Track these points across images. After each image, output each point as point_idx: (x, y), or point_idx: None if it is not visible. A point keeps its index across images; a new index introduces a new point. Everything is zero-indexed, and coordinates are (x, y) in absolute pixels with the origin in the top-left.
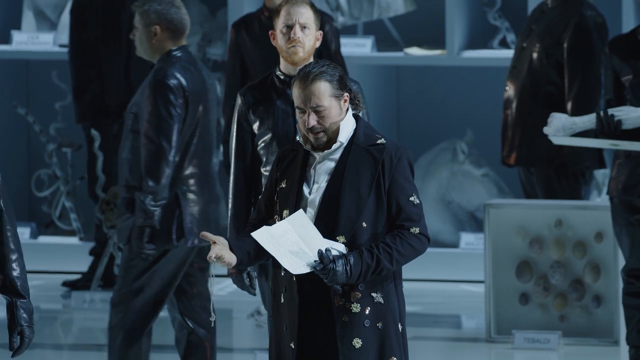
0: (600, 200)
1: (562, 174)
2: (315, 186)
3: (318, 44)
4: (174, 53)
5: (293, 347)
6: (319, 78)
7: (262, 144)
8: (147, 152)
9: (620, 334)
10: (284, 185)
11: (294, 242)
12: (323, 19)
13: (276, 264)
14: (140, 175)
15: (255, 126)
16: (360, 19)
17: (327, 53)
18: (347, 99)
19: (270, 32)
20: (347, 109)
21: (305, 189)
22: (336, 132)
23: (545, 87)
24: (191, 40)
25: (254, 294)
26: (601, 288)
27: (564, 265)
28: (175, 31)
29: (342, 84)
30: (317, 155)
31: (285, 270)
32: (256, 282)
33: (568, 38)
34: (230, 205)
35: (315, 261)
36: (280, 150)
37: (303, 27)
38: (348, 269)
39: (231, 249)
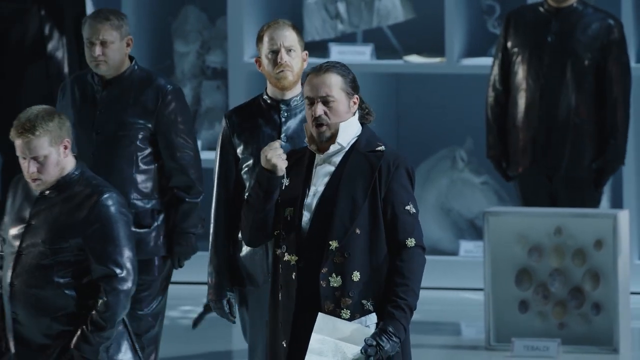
0: (600, 208)
1: (599, 182)
2: (313, 189)
3: (305, 64)
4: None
5: (285, 345)
6: (331, 70)
7: (246, 169)
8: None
9: (619, 342)
10: (287, 183)
11: (334, 348)
12: None
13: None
14: None
15: (239, 150)
16: (359, 27)
17: None
18: (357, 101)
19: (254, 59)
20: (355, 113)
21: (306, 190)
22: (338, 132)
23: (587, 97)
24: (190, 48)
25: (234, 322)
26: (600, 296)
27: (563, 273)
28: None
29: (354, 86)
30: (319, 157)
31: (285, 268)
32: (236, 309)
33: (610, 49)
34: (211, 230)
35: (362, 352)
36: (288, 151)
37: (289, 50)
38: (394, 339)
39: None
